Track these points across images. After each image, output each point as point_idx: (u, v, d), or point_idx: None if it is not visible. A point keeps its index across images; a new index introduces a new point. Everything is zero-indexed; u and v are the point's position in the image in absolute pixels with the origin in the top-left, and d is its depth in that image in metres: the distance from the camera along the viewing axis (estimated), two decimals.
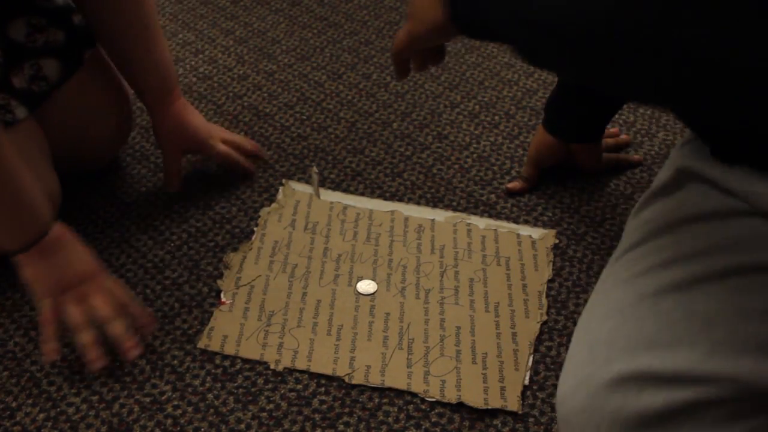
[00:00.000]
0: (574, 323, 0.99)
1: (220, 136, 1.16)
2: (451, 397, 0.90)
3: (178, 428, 0.88)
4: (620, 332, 0.71)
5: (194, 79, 1.39)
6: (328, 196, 1.16)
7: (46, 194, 0.94)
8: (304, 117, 1.31)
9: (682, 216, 0.78)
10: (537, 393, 0.91)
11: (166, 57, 1.11)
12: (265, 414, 0.89)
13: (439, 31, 0.79)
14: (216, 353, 0.95)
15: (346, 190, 1.17)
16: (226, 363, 0.94)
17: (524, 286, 1.03)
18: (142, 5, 1.06)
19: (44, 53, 1.04)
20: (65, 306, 0.91)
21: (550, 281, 1.04)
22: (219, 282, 1.03)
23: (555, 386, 0.92)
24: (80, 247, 0.94)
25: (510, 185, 1.16)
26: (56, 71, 1.05)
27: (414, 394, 0.91)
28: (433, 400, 0.90)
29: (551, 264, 1.06)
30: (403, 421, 0.89)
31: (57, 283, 0.91)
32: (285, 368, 0.94)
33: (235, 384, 0.92)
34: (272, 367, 0.94)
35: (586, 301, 1.02)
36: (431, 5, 0.78)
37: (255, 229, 1.11)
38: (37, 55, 1.03)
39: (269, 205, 1.15)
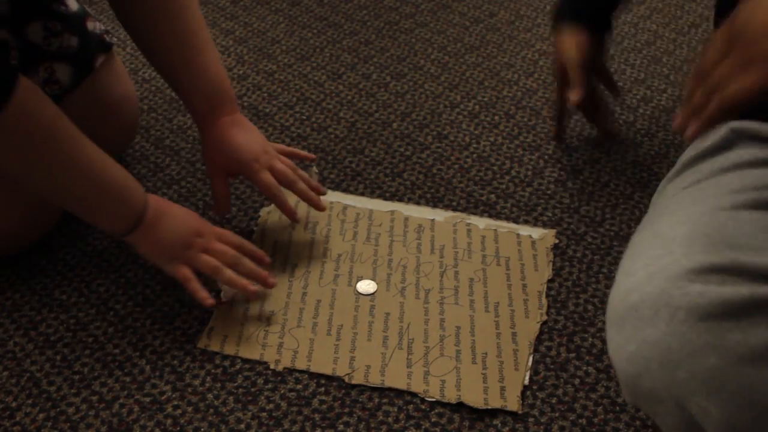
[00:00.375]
0: (574, 323, 0.99)
1: (268, 163, 1.02)
2: (450, 397, 0.90)
3: (178, 428, 0.88)
4: (699, 233, 0.66)
5: None
6: (328, 196, 1.16)
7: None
8: (304, 117, 1.31)
9: (742, 162, 0.72)
10: (537, 393, 0.91)
11: (209, 72, 1.03)
12: (264, 414, 0.89)
13: None
14: (216, 353, 0.95)
15: (345, 190, 1.17)
16: (226, 363, 0.94)
17: (524, 286, 1.03)
18: (178, 20, 1.01)
19: (58, 57, 1.04)
20: (194, 260, 0.95)
21: (550, 281, 1.04)
22: (219, 282, 1.03)
23: (555, 386, 0.92)
24: (179, 208, 0.97)
25: (572, 98, 1.08)
26: (68, 76, 1.05)
27: (414, 394, 0.91)
28: (433, 400, 0.90)
29: (551, 264, 1.06)
30: (403, 421, 0.89)
31: (175, 247, 0.95)
32: (285, 368, 0.94)
33: (235, 384, 0.92)
34: (272, 367, 0.94)
35: (586, 301, 1.02)
36: None
37: (255, 229, 1.11)
38: (52, 59, 1.03)
39: (269, 205, 1.15)
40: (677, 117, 0.75)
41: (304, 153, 1.09)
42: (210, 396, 0.91)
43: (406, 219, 1.12)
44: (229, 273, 0.95)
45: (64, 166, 0.87)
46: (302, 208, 1.14)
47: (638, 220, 1.12)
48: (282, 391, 0.91)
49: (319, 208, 1.04)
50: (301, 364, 0.94)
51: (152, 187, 1.18)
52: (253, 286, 0.95)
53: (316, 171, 1.17)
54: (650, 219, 0.75)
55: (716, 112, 0.70)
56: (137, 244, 0.95)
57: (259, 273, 0.97)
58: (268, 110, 1.33)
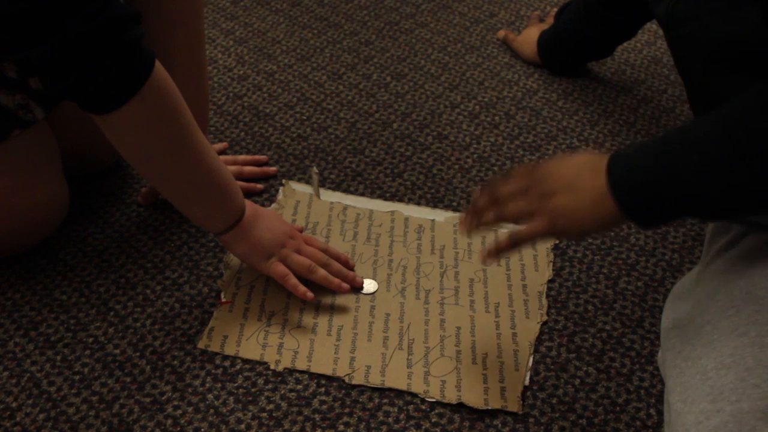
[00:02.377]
0: (575, 323, 0.99)
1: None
2: (451, 397, 0.90)
3: (178, 428, 0.88)
4: (748, 384, 0.71)
5: None
6: (328, 196, 1.16)
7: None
8: (304, 117, 1.31)
9: None
10: (537, 393, 0.91)
11: (205, 85, 1.10)
12: (265, 414, 0.89)
13: (603, 228, 0.79)
14: (216, 353, 0.95)
15: (346, 191, 1.17)
16: (226, 363, 0.94)
17: (524, 286, 1.03)
18: (194, 30, 1.05)
19: None
20: (288, 258, 0.98)
21: (550, 281, 1.04)
22: (219, 282, 1.03)
23: (555, 387, 0.92)
24: (269, 211, 1.02)
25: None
26: None
27: (414, 395, 0.91)
28: (433, 400, 0.90)
29: (551, 264, 1.06)
30: (403, 422, 0.89)
31: (272, 246, 0.98)
32: (285, 368, 0.94)
33: (235, 384, 0.92)
34: (272, 367, 0.94)
35: (586, 301, 1.02)
36: (595, 203, 0.77)
37: None
38: None
39: (269, 205, 1.15)
40: (463, 221, 0.89)
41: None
42: (210, 396, 0.91)
43: (407, 219, 1.12)
44: (323, 272, 0.99)
45: (186, 150, 0.89)
46: (303, 209, 1.14)
47: None
48: (282, 392, 0.91)
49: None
50: (301, 365, 0.94)
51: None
52: (346, 286, 1.00)
53: (316, 171, 1.17)
54: (697, 335, 0.79)
55: (509, 242, 0.85)
56: (234, 242, 0.97)
57: (347, 273, 1.01)
58: (268, 110, 1.33)
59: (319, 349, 0.95)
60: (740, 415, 0.69)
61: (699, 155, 0.72)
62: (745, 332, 0.75)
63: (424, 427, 0.88)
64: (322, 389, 0.92)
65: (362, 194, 1.17)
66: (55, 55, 0.77)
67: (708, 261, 0.88)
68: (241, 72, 1.42)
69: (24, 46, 0.77)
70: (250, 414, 0.89)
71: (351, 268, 1.03)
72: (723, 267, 0.84)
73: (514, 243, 0.85)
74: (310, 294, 0.97)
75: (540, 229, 0.82)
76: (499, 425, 0.88)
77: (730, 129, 0.71)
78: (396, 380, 0.92)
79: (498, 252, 0.87)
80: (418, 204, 1.15)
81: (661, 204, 0.74)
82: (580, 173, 0.80)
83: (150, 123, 0.85)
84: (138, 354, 0.95)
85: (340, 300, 1.01)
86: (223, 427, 0.88)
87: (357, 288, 1.01)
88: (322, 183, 1.18)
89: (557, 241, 1.09)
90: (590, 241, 1.09)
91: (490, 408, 0.89)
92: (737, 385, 0.71)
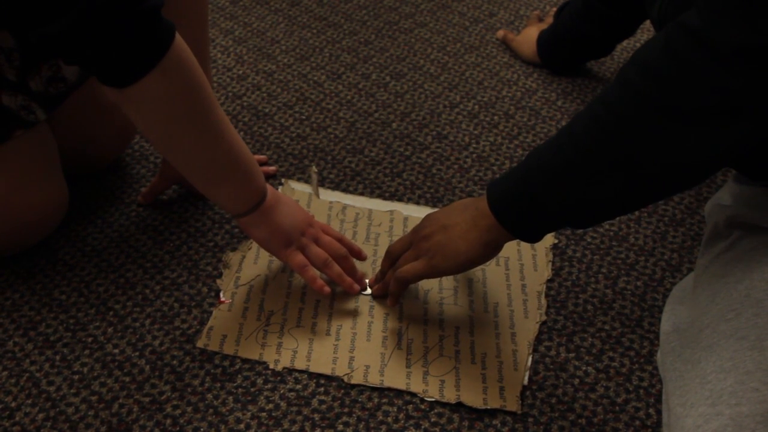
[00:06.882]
0: (574, 323, 0.99)
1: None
2: (450, 397, 0.90)
3: (178, 428, 0.88)
4: (747, 387, 0.72)
5: None
6: (328, 195, 1.16)
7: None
8: (304, 117, 1.31)
9: None
10: (536, 393, 0.91)
11: (209, 71, 1.10)
12: (264, 414, 0.89)
13: (476, 257, 0.89)
14: (215, 353, 0.95)
15: (345, 190, 1.17)
16: (226, 363, 0.94)
17: (523, 286, 1.03)
18: (197, 26, 1.05)
19: None
20: (307, 248, 0.97)
21: (549, 281, 1.04)
22: (218, 281, 1.03)
23: (554, 386, 0.92)
24: (289, 198, 1.00)
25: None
26: (74, 73, 1.04)
27: (413, 394, 0.91)
28: (433, 400, 0.90)
29: (550, 264, 1.06)
30: (402, 421, 0.89)
31: (292, 233, 0.97)
32: (284, 368, 0.94)
33: (235, 384, 0.92)
34: (271, 366, 0.94)
35: (585, 301, 1.02)
36: (465, 233, 0.87)
37: None
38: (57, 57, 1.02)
39: None
40: (371, 279, 1.01)
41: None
42: (209, 396, 0.91)
43: (406, 219, 1.12)
44: (338, 269, 0.98)
45: (207, 124, 0.88)
46: (301, 205, 1.13)
47: (637, 220, 1.12)
48: (281, 391, 0.91)
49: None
50: (300, 364, 0.94)
51: None
52: (357, 287, 0.99)
53: (316, 171, 1.17)
54: (697, 339, 0.80)
55: (394, 283, 0.94)
56: (254, 225, 0.96)
57: (356, 271, 1.00)
58: (267, 110, 1.33)
59: (318, 348, 0.95)
60: (740, 419, 0.69)
61: (540, 171, 0.81)
62: (744, 336, 0.74)
63: (423, 427, 0.88)
64: (322, 389, 0.92)
65: (361, 194, 1.17)
66: (75, 28, 0.76)
67: (706, 264, 0.88)
68: (241, 72, 1.42)
69: (44, 20, 0.76)
70: (249, 413, 0.89)
71: (363, 260, 1.02)
72: (722, 270, 0.84)
73: (401, 283, 0.93)
74: (327, 288, 0.96)
75: (419, 267, 0.91)
76: (498, 425, 0.88)
77: (560, 142, 0.80)
78: (395, 380, 0.92)
79: (394, 296, 0.96)
80: (418, 203, 1.15)
81: (527, 218, 0.83)
82: (451, 213, 0.90)
83: (170, 96, 0.84)
84: (137, 354, 0.95)
85: (340, 300, 1.01)
86: (222, 426, 0.88)
87: (360, 285, 1.01)
88: (322, 182, 1.18)
89: (556, 241, 1.09)
90: (589, 240, 1.09)
91: (489, 407, 0.89)
92: (737, 389, 0.71)
